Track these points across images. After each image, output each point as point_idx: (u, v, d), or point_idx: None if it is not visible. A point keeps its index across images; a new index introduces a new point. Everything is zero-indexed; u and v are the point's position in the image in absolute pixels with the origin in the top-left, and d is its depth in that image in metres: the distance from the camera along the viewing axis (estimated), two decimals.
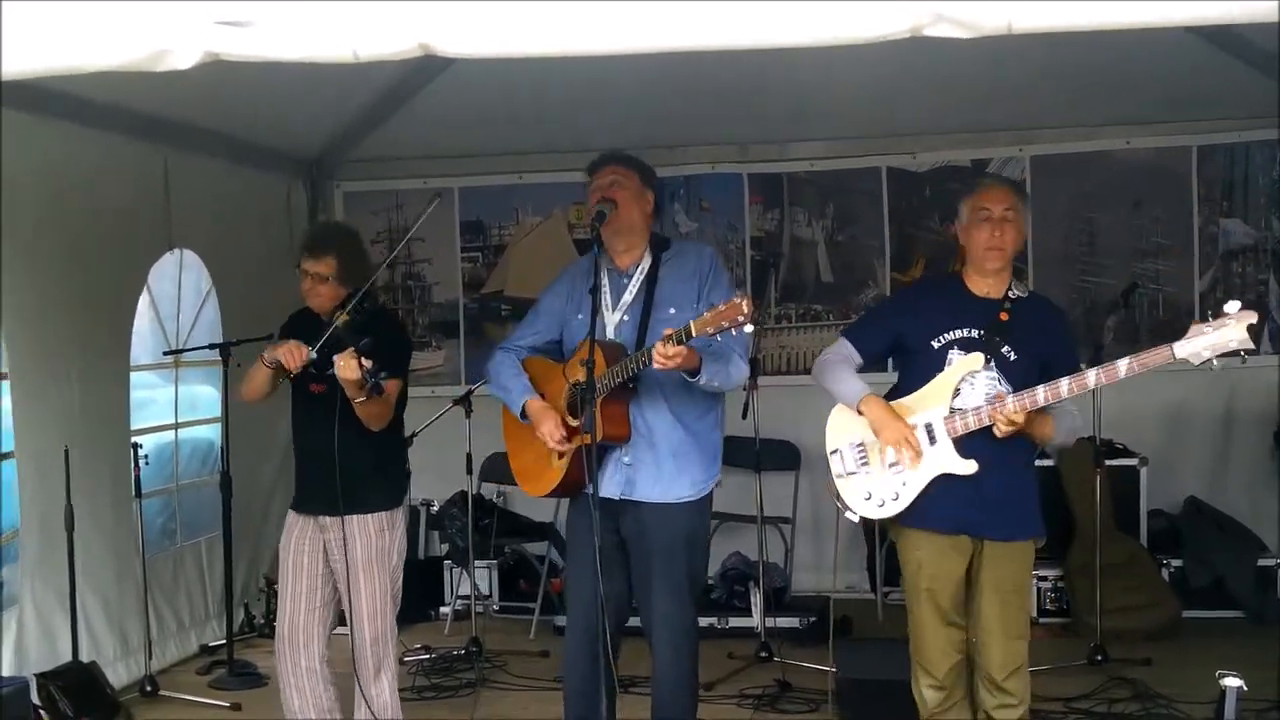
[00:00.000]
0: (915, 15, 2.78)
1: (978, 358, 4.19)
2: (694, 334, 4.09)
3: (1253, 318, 3.71)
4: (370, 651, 4.90)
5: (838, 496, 4.34)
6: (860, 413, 4.32)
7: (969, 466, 4.14)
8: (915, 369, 4.30)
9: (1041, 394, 3.99)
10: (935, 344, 4.26)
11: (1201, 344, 3.74)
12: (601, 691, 4.40)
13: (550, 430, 4.57)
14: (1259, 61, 6.56)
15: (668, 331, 4.16)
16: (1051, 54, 5.96)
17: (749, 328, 4.03)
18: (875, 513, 4.27)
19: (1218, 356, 3.73)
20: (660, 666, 4.70)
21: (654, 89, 6.40)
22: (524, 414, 4.69)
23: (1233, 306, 3.74)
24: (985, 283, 4.32)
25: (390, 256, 7.90)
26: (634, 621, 4.78)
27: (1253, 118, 7.46)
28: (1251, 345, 3.73)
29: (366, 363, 4.47)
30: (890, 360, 4.59)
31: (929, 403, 4.23)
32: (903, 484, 4.21)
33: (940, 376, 4.22)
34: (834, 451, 4.38)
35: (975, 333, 4.23)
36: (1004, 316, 4.24)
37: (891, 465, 4.23)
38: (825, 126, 7.92)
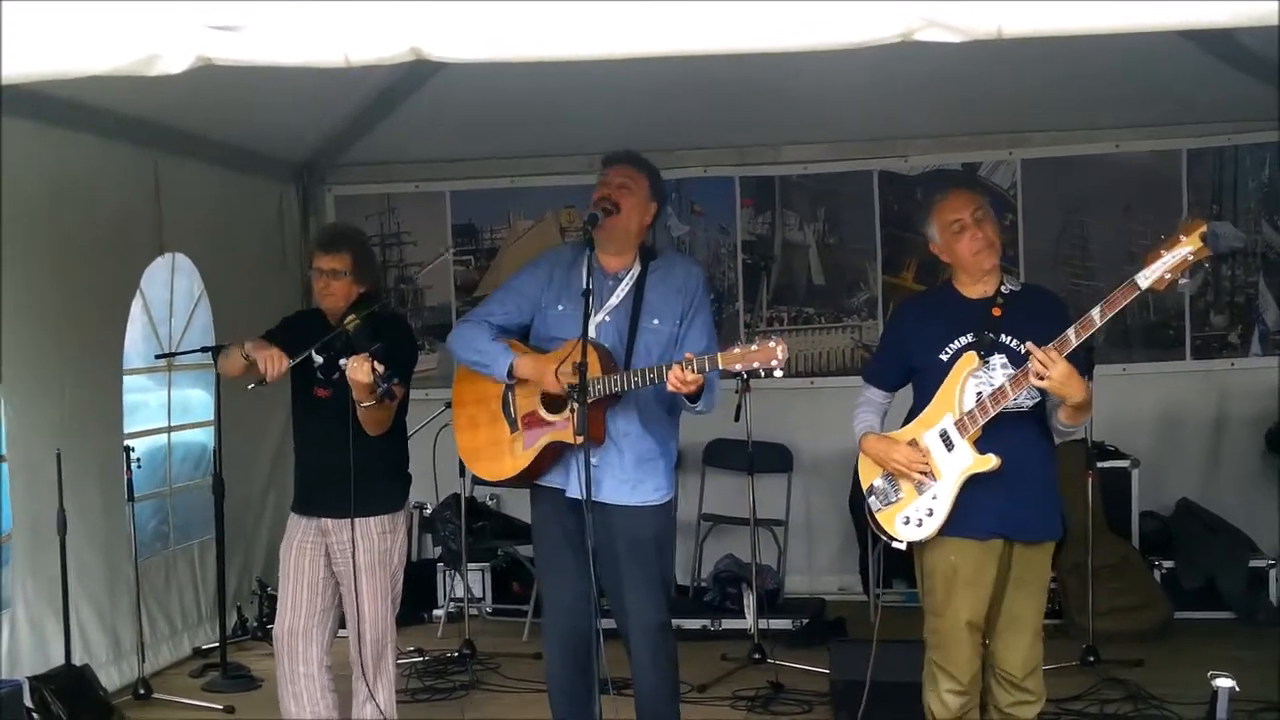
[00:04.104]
0: (906, 20, 2.79)
1: (970, 357, 4.21)
2: (720, 366, 4.13)
3: (1202, 226, 3.79)
4: (370, 653, 4.90)
5: (881, 531, 4.34)
6: (864, 452, 4.41)
7: (990, 461, 4.13)
8: (927, 385, 4.32)
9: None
10: (944, 356, 4.27)
11: (1160, 267, 3.80)
12: (590, 692, 4.40)
13: (553, 381, 4.46)
14: (1249, 65, 6.57)
15: (689, 356, 4.16)
16: (1042, 58, 5.97)
17: (779, 373, 4.06)
18: (915, 534, 4.25)
19: (1181, 277, 3.81)
20: (639, 668, 4.71)
21: (646, 93, 6.40)
22: (510, 374, 4.59)
23: (1181, 221, 3.86)
24: (978, 285, 4.34)
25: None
26: (606, 624, 4.76)
27: (1243, 121, 7.50)
28: (1209, 252, 3.80)
29: (380, 367, 4.46)
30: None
31: (940, 412, 4.24)
32: (934, 498, 4.21)
33: (945, 383, 4.24)
34: (869, 491, 4.39)
35: (973, 335, 4.25)
36: (996, 312, 4.26)
37: (919, 486, 4.24)
38: (817, 130, 7.93)
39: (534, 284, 4.75)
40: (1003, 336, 4.22)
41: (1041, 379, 3.97)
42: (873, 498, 4.37)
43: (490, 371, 4.64)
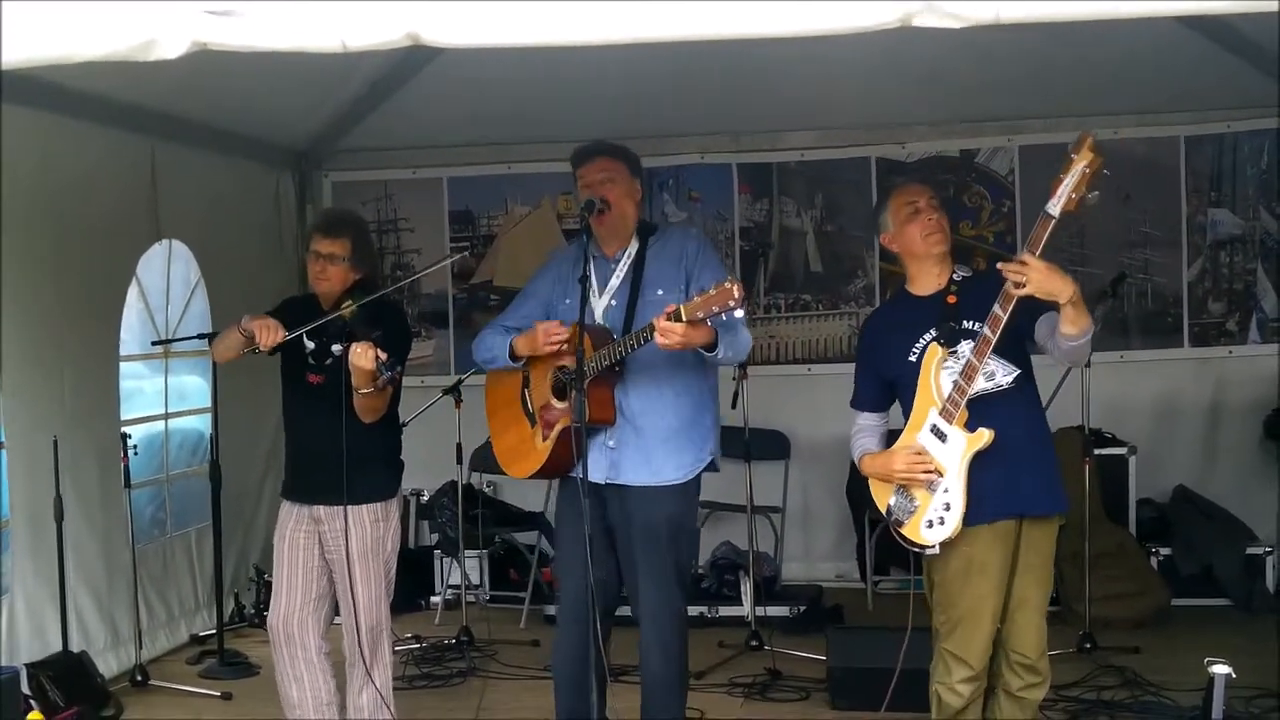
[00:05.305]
0: (905, 5, 2.79)
1: (934, 349, 4.19)
2: (684, 318, 4.09)
3: (1089, 137, 3.82)
4: (366, 641, 4.88)
5: (910, 544, 4.27)
6: (866, 474, 4.39)
7: (984, 436, 4.09)
8: (907, 390, 4.30)
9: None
10: (912, 358, 4.26)
11: (1065, 189, 3.82)
12: (592, 680, 4.40)
13: (547, 329, 4.52)
14: (1247, 52, 6.57)
15: (670, 308, 4.14)
16: (1040, 44, 5.97)
17: (739, 312, 4.04)
18: (941, 533, 4.18)
19: (1088, 192, 3.83)
20: (648, 655, 4.70)
21: (643, 79, 6.39)
22: (514, 355, 4.65)
23: (1070, 143, 3.86)
24: (930, 279, 4.34)
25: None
26: (625, 610, 4.78)
27: (1241, 108, 7.50)
28: (1102, 158, 3.82)
29: (383, 355, 4.45)
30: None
31: (924, 410, 4.21)
32: (945, 491, 4.17)
33: (920, 381, 4.22)
34: (888, 513, 4.33)
35: (934, 329, 4.24)
36: (951, 300, 4.25)
37: (930, 487, 4.21)
38: (815, 117, 7.93)
39: (544, 285, 4.80)
40: (964, 323, 4.20)
41: (1022, 287, 3.90)
42: (893, 517, 4.30)
43: (500, 363, 4.72)
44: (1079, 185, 3.81)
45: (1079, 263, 7.86)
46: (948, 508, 4.16)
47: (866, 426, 4.50)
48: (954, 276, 4.32)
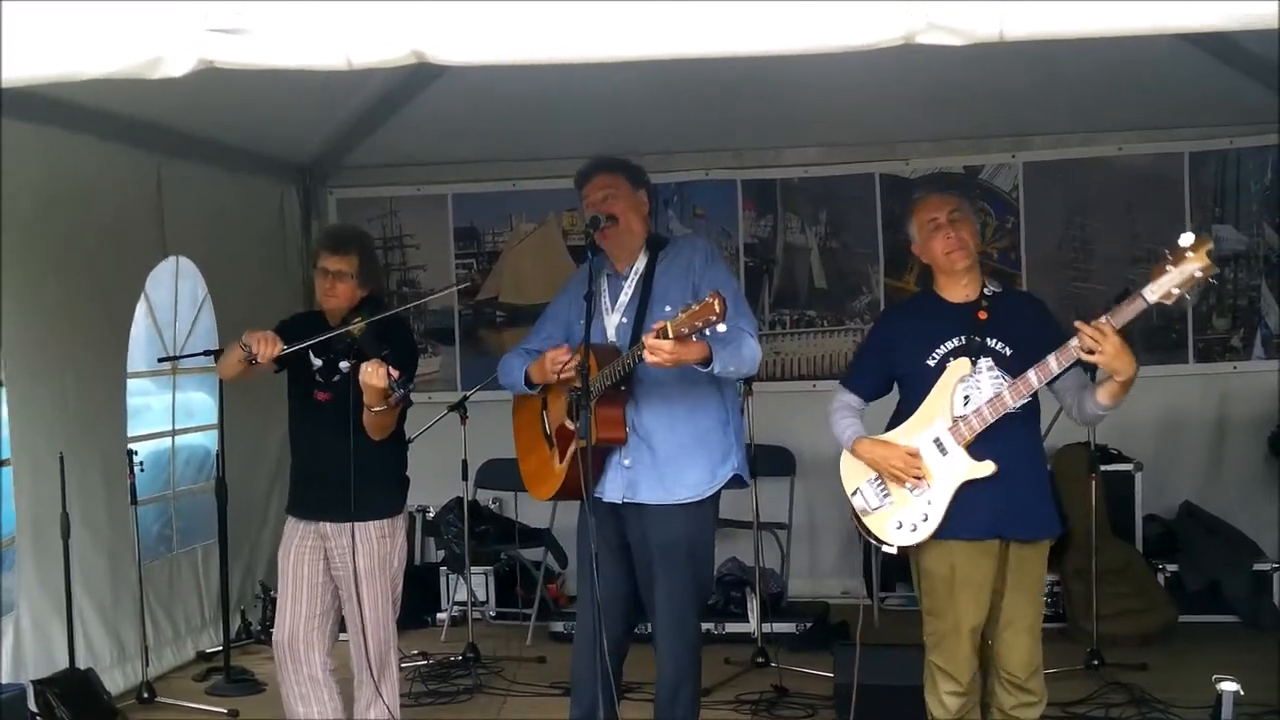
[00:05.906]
0: (908, 23, 2.79)
1: (964, 363, 4.21)
2: (670, 334, 4.05)
3: (1209, 244, 3.77)
4: (374, 657, 4.88)
5: (869, 534, 4.31)
6: (857, 455, 4.37)
7: (987, 468, 4.14)
8: (915, 390, 4.31)
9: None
10: (930, 361, 4.27)
11: (1168, 282, 3.79)
12: (603, 698, 4.40)
13: (554, 356, 4.54)
14: (1251, 68, 6.57)
15: (657, 325, 4.12)
16: (1044, 61, 5.97)
17: (721, 327, 4.00)
18: (909, 539, 4.23)
19: (1188, 291, 3.80)
20: (661, 674, 4.72)
21: (647, 96, 6.40)
22: (529, 382, 4.69)
23: (1187, 239, 3.80)
24: (959, 289, 4.35)
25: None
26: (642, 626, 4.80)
27: (1245, 124, 7.49)
28: (1215, 270, 3.78)
29: (394, 372, 4.46)
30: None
31: (931, 417, 4.23)
32: (928, 503, 4.20)
33: (936, 389, 4.23)
34: (855, 492, 4.36)
35: (962, 339, 4.25)
36: (982, 315, 4.27)
37: (912, 489, 4.23)
38: (818, 133, 7.94)
39: (563, 306, 4.82)
40: (989, 340, 4.23)
41: (1092, 354, 3.92)
42: (860, 499, 4.34)
43: (519, 389, 4.78)
44: (1185, 284, 3.78)
45: (1084, 279, 7.88)
46: (925, 518, 4.20)
47: (851, 406, 4.50)
48: (985, 291, 4.34)
